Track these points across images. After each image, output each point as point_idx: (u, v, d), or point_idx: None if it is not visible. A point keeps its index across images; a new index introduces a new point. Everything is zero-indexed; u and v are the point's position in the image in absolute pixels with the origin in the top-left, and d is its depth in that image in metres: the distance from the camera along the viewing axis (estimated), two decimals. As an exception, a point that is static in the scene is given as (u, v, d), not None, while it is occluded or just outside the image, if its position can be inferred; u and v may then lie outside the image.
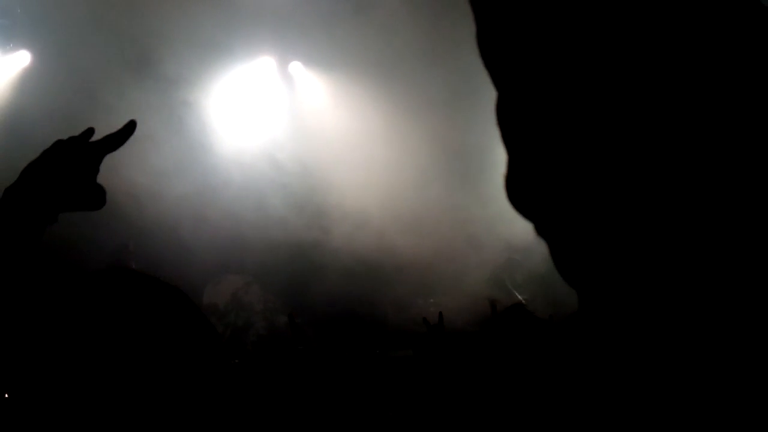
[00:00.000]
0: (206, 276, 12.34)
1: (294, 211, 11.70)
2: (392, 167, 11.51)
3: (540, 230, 0.93)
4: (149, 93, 11.43)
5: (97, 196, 1.48)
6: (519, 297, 11.19)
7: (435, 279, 11.83)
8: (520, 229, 11.55)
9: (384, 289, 11.81)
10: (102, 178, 1.57)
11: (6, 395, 1.23)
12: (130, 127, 1.55)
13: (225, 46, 12.16)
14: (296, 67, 12.76)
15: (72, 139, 1.50)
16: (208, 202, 11.67)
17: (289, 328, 3.80)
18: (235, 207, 11.83)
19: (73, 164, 1.44)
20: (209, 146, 12.16)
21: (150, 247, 11.08)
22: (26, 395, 1.22)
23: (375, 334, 11.84)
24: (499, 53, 0.89)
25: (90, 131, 1.55)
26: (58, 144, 1.49)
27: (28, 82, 11.60)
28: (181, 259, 11.44)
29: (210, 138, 12.22)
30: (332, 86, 12.54)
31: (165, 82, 11.66)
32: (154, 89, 11.51)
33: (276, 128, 12.48)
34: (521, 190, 0.91)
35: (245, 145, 12.26)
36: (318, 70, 12.66)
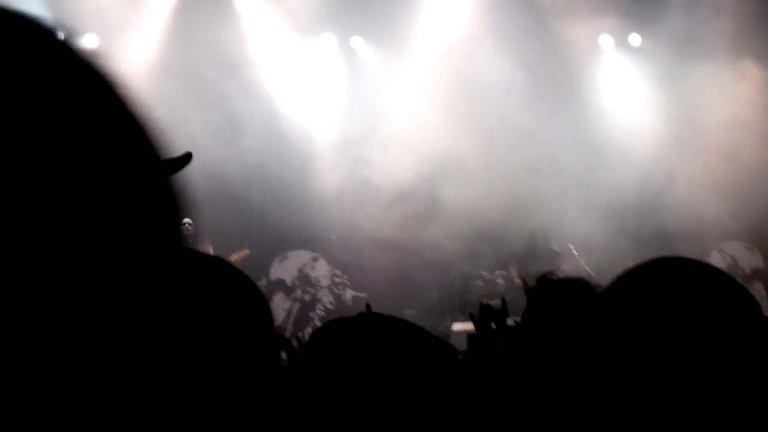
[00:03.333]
0: (273, 251, 12.49)
1: (354, 188, 11.72)
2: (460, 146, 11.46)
3: None
4: (209, 80, 11.54)
5: None
6: (586, 268, 11.05)
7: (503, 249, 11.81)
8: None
9: (449, 262, 11.82)
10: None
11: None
12: (187, 158, 1.62)
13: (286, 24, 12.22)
14: (357, 41, 12.75)
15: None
16: (273, 180, 11.77)
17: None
18: (306, 184, 11.91)
19: None
20: (267, 117, 12.21)
21: (215, 224, 11.24)
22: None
23: (443, 306, 11.89)
24: None
25: (188, 156, 1.62)
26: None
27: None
28: (248, 235, 11.60)
29: (274, 111, 12.25)
30: (397, 63, 12.49)
31: (226, 66, 11.76)
32: (217, 76, 11.60)
33: (343, 105, 12.48)
34: None
35: (312, 121, 12.29)
36: (380, 46, 12.62)
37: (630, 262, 1.59)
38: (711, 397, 1.32)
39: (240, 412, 1.27)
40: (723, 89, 12.29)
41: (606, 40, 12.98)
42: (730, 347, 1.34)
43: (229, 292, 1.31)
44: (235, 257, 11.06)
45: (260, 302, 1.34)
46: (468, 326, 8.78)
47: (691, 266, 1.46)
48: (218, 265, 1.36)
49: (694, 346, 1.34)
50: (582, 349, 2.05)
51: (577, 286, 2.27)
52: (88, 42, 11.96)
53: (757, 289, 13.07)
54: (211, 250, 10.85)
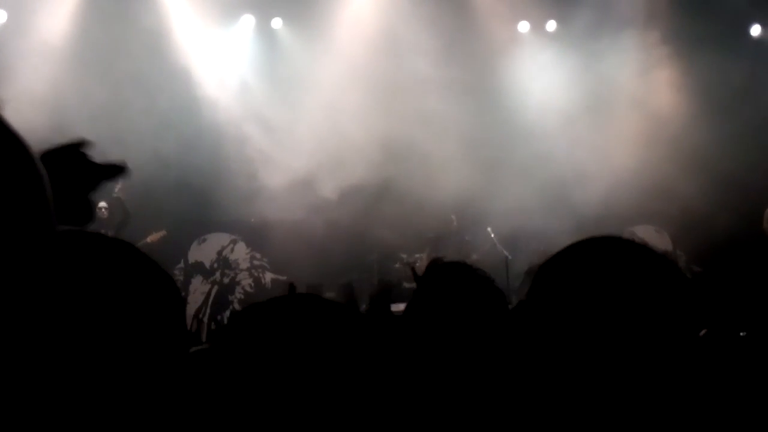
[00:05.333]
0: (191, 233, 12.32)
1: (272, 169, 11.65)
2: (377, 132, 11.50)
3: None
4: (129, 59, 11.28)
5: (87, 212, 1.47)
6: (504, 252, 11.24)
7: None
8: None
9: (371, 244, 11.87)
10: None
11: None
12: (121, 169, 1.56)
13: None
14: (278, 23, 12.64)
15: (66, 148, 1.48)
16: (192, 163, 11.60)
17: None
18: (218, 169, 11.79)
19: (70, 179, 1.43)
20: (188, 98, 12.01)
21: (134, 206, 11.02)
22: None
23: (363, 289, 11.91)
24: None
25: (82, 142, 1.54)
26: (56, 152, 1.47)
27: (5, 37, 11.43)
28: (166, 217, 11.42)
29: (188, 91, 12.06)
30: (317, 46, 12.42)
31: (151, 44, 11.51)
32: (141, 53, 11.35)
33: (260, 89, 12.35)
34: None
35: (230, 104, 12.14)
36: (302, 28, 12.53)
37: (545, 244, 1.64)
38: (646, 375, 1.37)
39: (149, 402, 1.24)
40: (634, 70, 12.65)
41: (524, 27, 13.18)
42: (664, 321, 1.39)
43: (133, 278, 1.25)
44: (151, 238, 10.87)
45: (169, 288, 1.29)
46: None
47: (621, 245, 1.50)
48: (124, 249, 1.30)
49: (629, 320, 1.38)
50: (496, 330, 2.10)
51: (463, 270, 2.30)
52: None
53: (666, 271, 13.46)
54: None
